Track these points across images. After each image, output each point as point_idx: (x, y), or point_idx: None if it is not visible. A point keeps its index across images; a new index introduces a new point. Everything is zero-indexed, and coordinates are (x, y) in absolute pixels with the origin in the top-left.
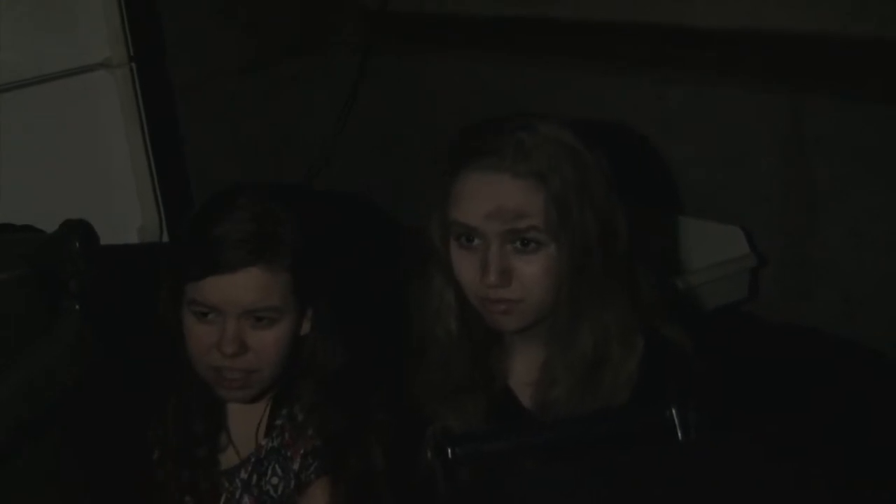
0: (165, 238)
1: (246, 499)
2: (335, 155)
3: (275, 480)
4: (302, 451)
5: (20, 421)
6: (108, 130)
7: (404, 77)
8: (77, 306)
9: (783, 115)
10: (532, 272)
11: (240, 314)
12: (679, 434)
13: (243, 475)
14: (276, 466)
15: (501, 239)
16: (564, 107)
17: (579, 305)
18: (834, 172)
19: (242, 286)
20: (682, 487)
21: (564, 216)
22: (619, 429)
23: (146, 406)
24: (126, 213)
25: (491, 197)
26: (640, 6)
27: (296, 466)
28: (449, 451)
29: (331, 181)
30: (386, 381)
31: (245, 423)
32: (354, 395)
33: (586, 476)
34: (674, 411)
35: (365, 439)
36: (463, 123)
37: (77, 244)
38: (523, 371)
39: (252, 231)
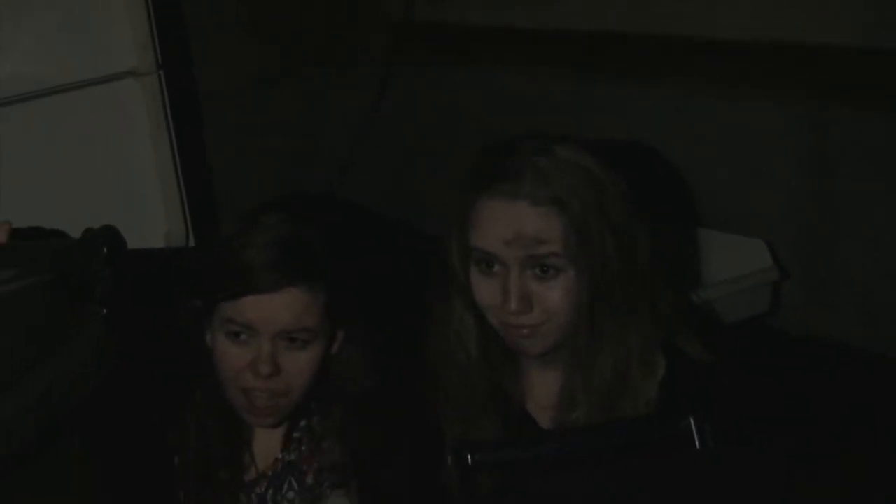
0: (192, 243)
1: None
2: (359, 165)
3: (290, 495)
4: (316, 466)
5: (43, 425)
6: (136, 137)
7: (428, 87)
8: (102, 311)
9: (806, 127)
10: (552, 297)
11: (274, 335)
12: (697, 445)
13: (259, 489)
14: (293, 481)
15: (521, 265)
16: (586, 118)
17: (599, 328)
18: (857, 185)
19: (281, 306)
20: (699, 498)
21: (583, 241)
22: (638, 439)
23: (168, 414)
24: (153, 219)
25: (509, 223)
26: (663, 18)
27: (310, 481)
28: (469, 457)
29: (355, 191)
30: (410, 400)
31: (264, 438)
32: (382, 415)
33: (604, 485)
34: (692, 422)
35: (388, 458)
36: (486, 134)
37: (103, 249)
38: (542, 394)
39: (294, 250)
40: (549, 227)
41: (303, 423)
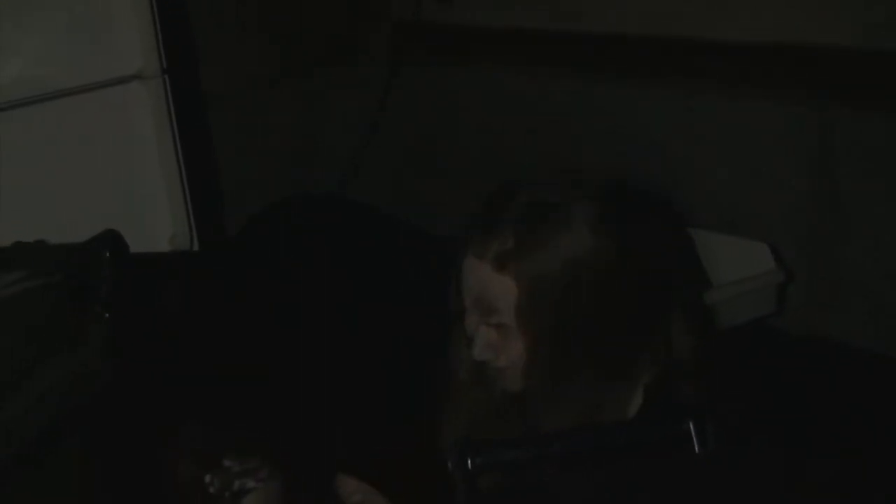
0: (196, 247)
1: None
2: (364, 165)
3: None
4: None
5: (45, 425)
6: (140, 141)
7: (432, 88)
8: (105, 314)
9: (807, 127)
10: (513, 349)
11: None
12: (696, 446)
13: None
14: None
15: (485, 321)
16: (587, 118)
17: (561, 388)
18: (858, 185)
19: None
20: (698, 499)
21: (540, 316)
22: (637, 440)
23: (168, 416)
24: (157, 222)
25: (473, 284)
26: (667, 20)
27: None
28: (469, 461)
29: (357, 191)
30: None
31: None
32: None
33: (604, 486)
34: (691, 424)
35: None
36: (487, 134)
37: (106, 253)
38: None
39: None
40: (504, 297)
41: None
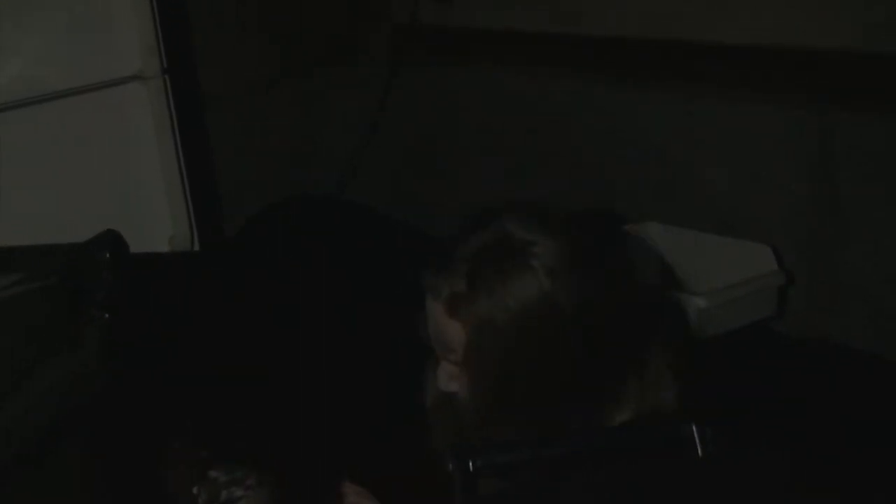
0: (196, 247)
1: None
2: (363, 165)
3: None
4: None
5: (46, 425)
6: (140, 141)
7: (432, 89)
8: (104, 315)
9: (811, 132)
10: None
11: None
12: (698, 449)
13: None
14: None
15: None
16: (586, 120)
17: (489, 431)
18: (858, 189)
19: None
20: (699, 502)
21: (483, 364)
22: (638, 443)
23: (166, 417)
24: (157, 223)
25: (432, 320)
26: (667, 22)
27: None
28: (470, 463)
29: (356, 191)
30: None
31: None
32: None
33: (605, 489)
34: (693, 427)
35: None
36: (487, 134)
37: (105, 254)
38: None
39: None
40: (455, 339)
41: None
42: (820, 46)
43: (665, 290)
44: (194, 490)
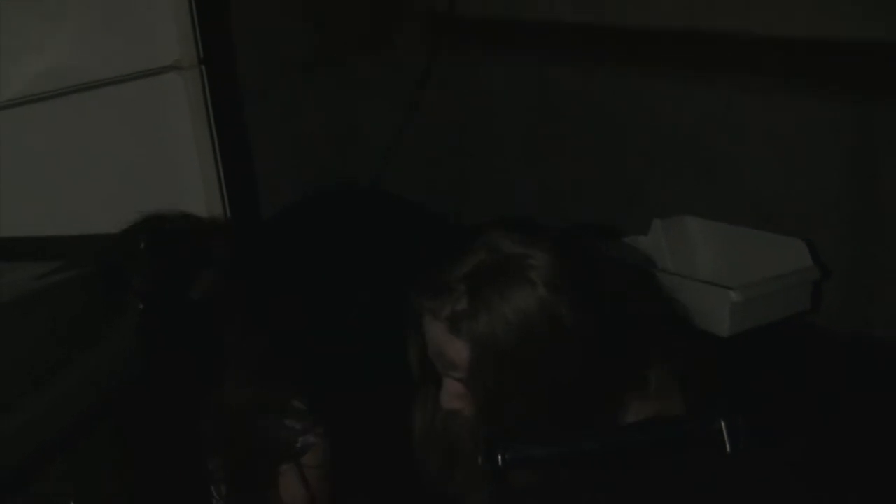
0: None
1: None
2: (400, 153)
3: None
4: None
5: (81, 414)
6: (176, 132)
7: (468, 78)
8: (140, 303)
9: (850, 124)
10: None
11: None
12: (727, 446)
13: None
14: (213, 490)
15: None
16: (630, 113)
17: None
18: None
19: None
20: (728, 499)
21: (489, 380)
22: (668, 438)
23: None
24: (193, 213)
25: (434, 341)
26: (704, 13)
27: (223, 491)
28: (499, 457)
29: (394, 180)
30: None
31: None
32: (256, 426)
33: (634, 484)
34: (723, 423)
35: (270, 468)
36: (523, 126)
37: (142, 243)
38: None
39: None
40: (459, 356)
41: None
42: (859, 38)
43: (660, 301)
44: (279, 437)
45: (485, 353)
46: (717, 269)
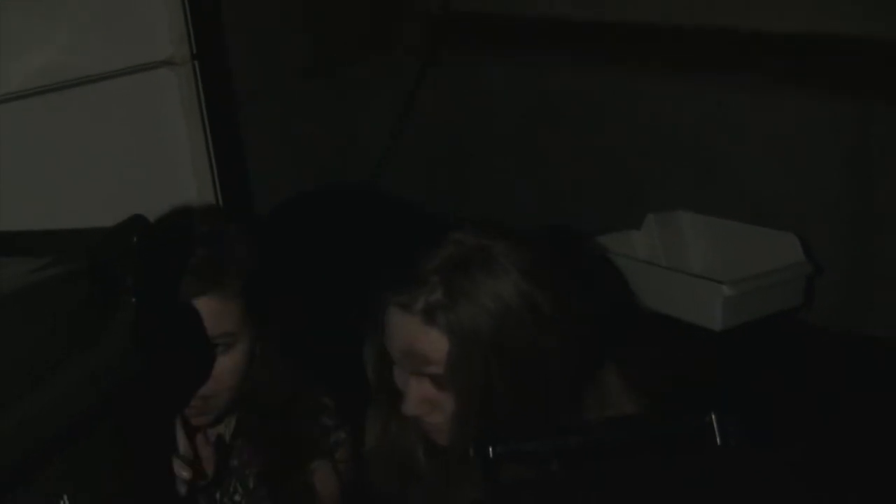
0: None
1: None
2: (397, 156)
3: (237, 497)
4: (255, 470)
5: (74, 415)
6: (170, 128)
7: (466, 79)
8: (132, 301)
9: (847, 122)
10: (448, 404)
11: None
12: (718, 441)
13: (209, 492)
14: (238, 484)
15: (417, 373)
16: (628, 111)
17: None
18: None
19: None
20: (719, 495)
21: (468, 368)
22: (658, 432)
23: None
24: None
25: (403, 336)
26: (701, 10)
27: (251, 484)
28: (490, 450)
29: (391, 182)
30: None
31: (209, 443)
32: (294, 424)
33: (624, 478)
34: (713, 418)
35: (307, 463)
36: (522, 126)
37: (134, 239)
38: None
39: (201, 258)
40: (435, 349)
41: (237, 427)
42: (858, 35)
43: (616, 302)
44: (314, 433)
45: (465, 343)
46: (710, 263)
